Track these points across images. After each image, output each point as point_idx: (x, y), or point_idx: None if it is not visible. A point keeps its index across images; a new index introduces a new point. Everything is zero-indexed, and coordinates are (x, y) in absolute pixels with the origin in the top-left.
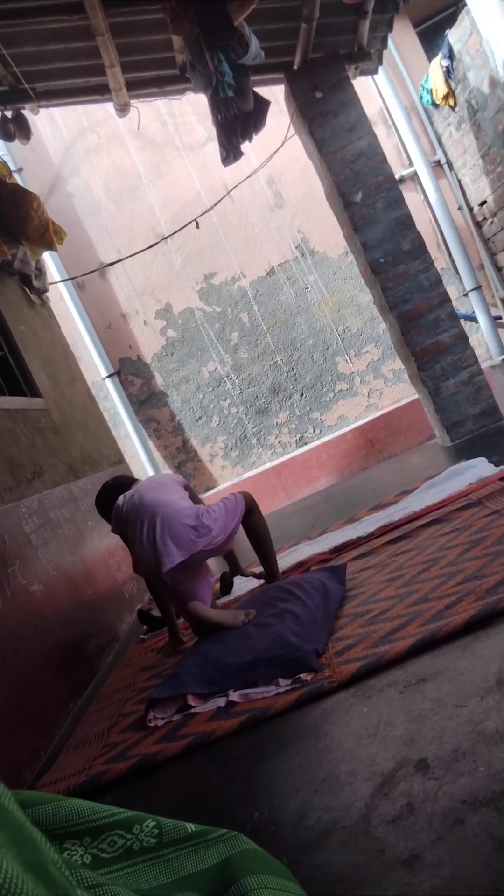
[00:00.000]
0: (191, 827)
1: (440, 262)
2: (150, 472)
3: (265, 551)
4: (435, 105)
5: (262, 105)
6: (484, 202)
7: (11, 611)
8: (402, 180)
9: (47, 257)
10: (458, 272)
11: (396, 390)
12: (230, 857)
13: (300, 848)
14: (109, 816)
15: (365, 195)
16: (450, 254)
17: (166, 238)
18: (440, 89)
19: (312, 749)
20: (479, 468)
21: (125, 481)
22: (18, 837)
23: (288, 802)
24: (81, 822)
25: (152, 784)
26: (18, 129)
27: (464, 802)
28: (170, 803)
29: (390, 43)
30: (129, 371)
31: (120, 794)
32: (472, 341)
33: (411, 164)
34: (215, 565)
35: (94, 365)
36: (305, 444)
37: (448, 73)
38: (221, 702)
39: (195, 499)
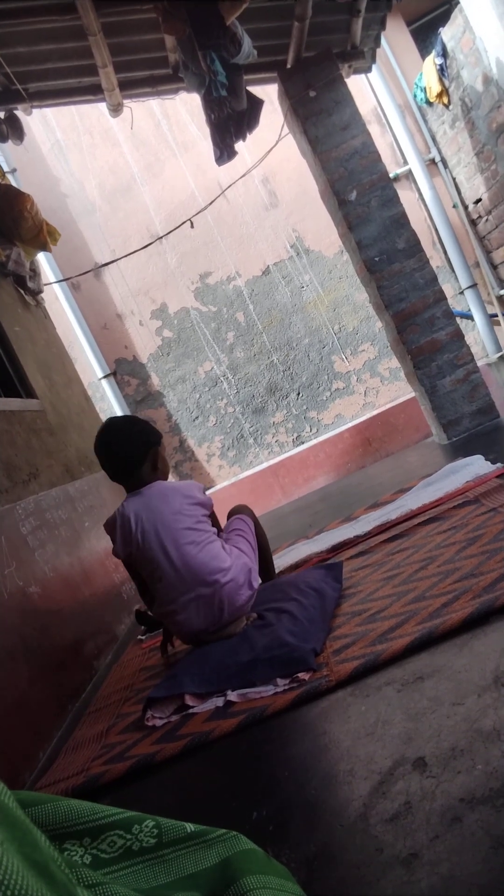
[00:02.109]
0: (190, 827)
1: (435, 261)
2: None
3: (264, 556)
4: (429, 103)
5: (256, 104)
6: (479, 200)
7: (9, 613)
8: (396, 179)
9: (41, 258)
10: (453, 270)
11: (393, 389)
12: (229, 857)
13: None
14: (109, 816)
15: (359, 194)
16: (445, 252)
17: (161, 238)
18: (434, 87)
19: (310, 748)
20: (476, 466)
21: (127, 464)
22: (19, 835)
23: (286, 802)
24: (81, 823)
25: (151, 785)
26: (11, 130)
27: (462, 800)
28: (169, 803)
29: (383, 41)
30: (125, 371)
31: (119, 795)
32: (468, 339)
33: (405, 163)
34: None
35: (89, 366)
36: (302, 443)
37: (442, 70)
38: (219, 702)
39: (212, 518)
